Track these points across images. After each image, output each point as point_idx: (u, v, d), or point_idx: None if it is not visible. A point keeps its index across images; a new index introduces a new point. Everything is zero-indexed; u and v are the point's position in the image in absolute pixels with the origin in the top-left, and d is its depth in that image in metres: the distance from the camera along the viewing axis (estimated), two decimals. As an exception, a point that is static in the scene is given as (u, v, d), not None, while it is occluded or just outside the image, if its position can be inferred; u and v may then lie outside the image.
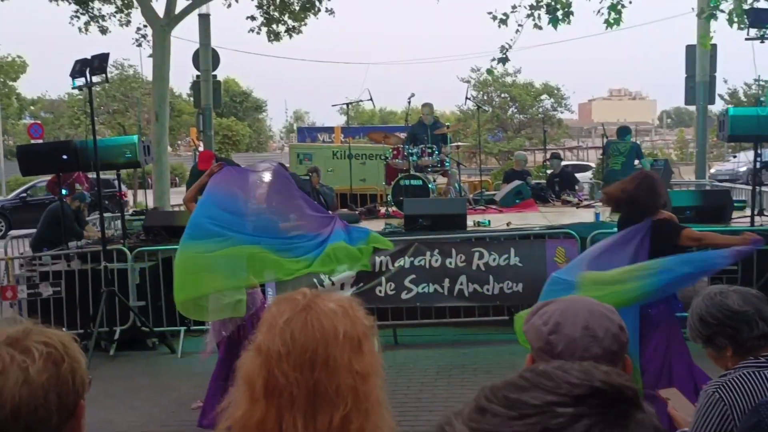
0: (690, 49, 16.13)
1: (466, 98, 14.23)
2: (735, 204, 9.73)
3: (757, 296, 2.67)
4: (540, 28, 13.86)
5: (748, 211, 9.20)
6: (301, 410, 1.46)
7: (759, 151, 9.28)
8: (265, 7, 16.58)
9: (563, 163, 15.87)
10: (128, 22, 16.50)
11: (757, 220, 8.81)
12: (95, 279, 8.57)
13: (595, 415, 0.73)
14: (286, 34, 16.83)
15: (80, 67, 7.78)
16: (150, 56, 15.67)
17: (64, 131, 42.17)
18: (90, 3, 16.12)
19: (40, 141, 25.68)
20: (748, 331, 2.54)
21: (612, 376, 0.78)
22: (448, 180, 12.18)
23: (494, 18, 13.58)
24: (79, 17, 16.27)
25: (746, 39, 7.89)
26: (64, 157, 8.51)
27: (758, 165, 8.82)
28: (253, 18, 16.63)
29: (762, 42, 7.87)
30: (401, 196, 10.58)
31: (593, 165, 27.24)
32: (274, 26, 16.73)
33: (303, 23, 16.76)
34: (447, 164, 11.80)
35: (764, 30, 7.74)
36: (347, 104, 14.25)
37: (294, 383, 1.47)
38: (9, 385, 1.32)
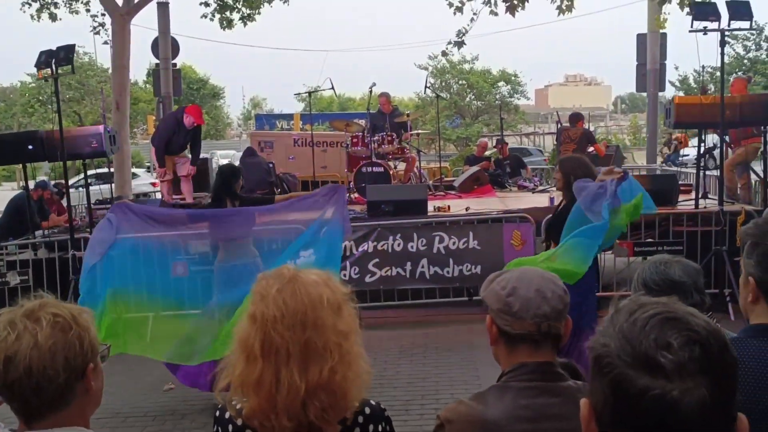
0: (641, 38, 16.63)
1: (426, 86, 14.50)
2: (681, 188, 10.22)
3: (695, 269, 3.02)
4: (496, 14, 14.19)
5: (693, 194, 9.67)
6: (297, 364, 1.74)
7: (703, 138, 9.77)
8: (218, -7, 16.57)
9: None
10: (78, 11, 16.32)
11: (701, 202, 9.28)
12: (63, 267, 8.67)
13: None
14: (240, 21, 16.84)
15: (46, 58, 7.84)
16: (105, 43, 15.63)
17: (18, 119, 41.36)
18: (41, -11, 15.94)
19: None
20: (684, 300, 2.87)
21: None
22: (409, 166, 12.47)
23: (450, 5, 13.89)
24: (30, 4, 16.08)
25: (690, 31, 8.28)
26: (30, 147, 8.57)
27: (701, 151, 9.26)
28: (207, 4, 16.61)
29: (705, 34, 8.27)
30: (364, 183, 10.84)
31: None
32: (228, 13, 16.72)
33: (257, 12, 16.80)
34: (411, 151, 12.10)
35: (706, 23, 8.14)
36: (309, 93, 14.42)
37: (289, 341, 1.74)
38: (22, 349, 1.58)
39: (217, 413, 1.93)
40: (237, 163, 12.55)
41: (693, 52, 9.56)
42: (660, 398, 1.06)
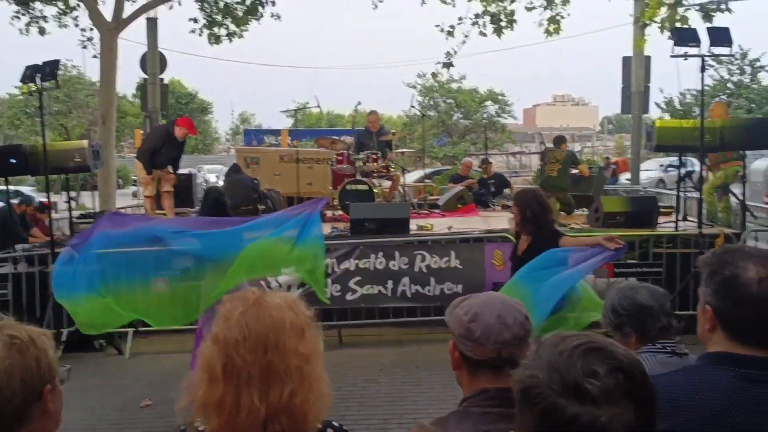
0: (626, 61, 16.85)
1: (411, 106, 14.62)
2: (661, 209, 10.31)
3: (662, 293, 3.07)
4: (485, 35, 14.43)
5: (673, 216, 9.76)
6: (257, 387, 1.75)
7: (684, 160, 9.88)
8: (207, 10, 16.67)
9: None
10: (67, 25, 16.38)
11: (681, 225, 9.37)
12: (43, 281, 8.63)
13: None
14: (226, 38, 16.94)
15: (31, 73, 7.85)
16: (95, 56, 15.64)
17: (4, 132, 41.21)
18: (31, 3, 15.96)
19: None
20: (652, 323, 2.94)
21: None
22: (393, 185, 12.51)
23: (441, 30, 14.09)
24: (19, 18, 16.11)
25: (671, 56, 8.41)
26: (13, 160, 8.55)
27: (682, 173, 9.37)
28: (195, 20, 16.72)
29: (685, 60, 8.40)
30: (348, 201, 10.86)
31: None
32: (216, 29, 16.82)
33: (244, 29, 16.90)
34: (393, 170, 12.14)
35: (687, 49, 8.27)
36: (296, 110, 14.48)
37: (250, 365, 1.75)
38: None
39: None
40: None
41: (678, 75, 9.72)
42: (590, 424, 1.11)
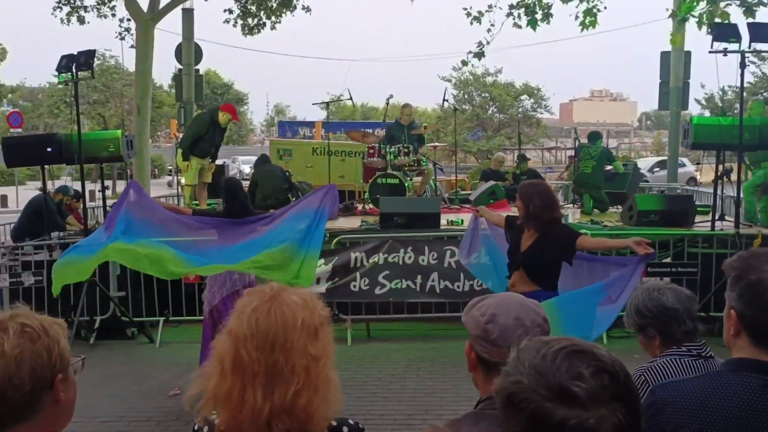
0: (665, 56, 16.50)
1: (444, 99, 14.44)
2: (698, 209, 10.10)
3: (688, 296, 2.99)
4: (519, 27, 14.20)
5: (710, 216, 9.54)
6: (261, 384, 1.74)
7: (722, 158, 9.66)
8: (242, 1, 16.83)
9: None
10: (106, 15, 16.65)
11: (718, 224, 9.16)
12: (77, 269, 8.75)
13: None
14: (256, 28, 17.09)
15: (66, 63, 7.96)
16: (132, 47, 15.85)
17: (44, 120, 41.97)
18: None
19: (20, 130, 25.74)
20: (676, 326, 2.87)
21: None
22: (424, 179, 12.45)
23: (468, 15, 13.88)
24: (61, 8, 16.41)
25: (710, 52, 8.23)
26: (49, 149, 8.68)
27: (720, 172, 9.16)
28: (230, 11, 16.91)
29: (725, 55, 8.21)
30: (378, 194, 10.84)
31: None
32: (250, 20, 16.98)
33: (278, 20, 17.01)
34: (423, 164, 12.09)
35: (726, 45, 8.08)
36: (327, 103, 14.49)
37: (256, 362, 1.74)
38: None
39: (196, 426, 1.93)
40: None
41: (719, 71, 9.48)
42: (578, 427, 1.11)
